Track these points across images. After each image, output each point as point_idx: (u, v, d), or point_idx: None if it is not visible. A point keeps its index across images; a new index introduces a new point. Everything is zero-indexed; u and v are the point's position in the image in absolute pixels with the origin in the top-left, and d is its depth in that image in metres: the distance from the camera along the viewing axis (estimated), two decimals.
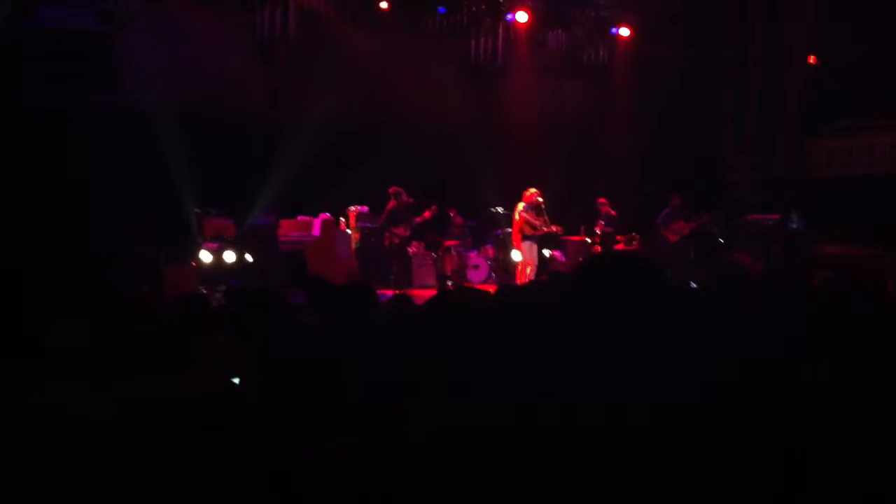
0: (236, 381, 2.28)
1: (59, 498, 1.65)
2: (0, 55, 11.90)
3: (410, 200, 13.43)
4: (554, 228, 13.25)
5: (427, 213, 13.62)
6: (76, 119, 12.38)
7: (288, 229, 13.67)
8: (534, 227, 12.93)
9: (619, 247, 14.74)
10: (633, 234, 15.14)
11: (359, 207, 14.52)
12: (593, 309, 1.97)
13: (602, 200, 14.98)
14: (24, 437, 1.74)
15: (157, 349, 2.16)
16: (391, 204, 13.26)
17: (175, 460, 1.69)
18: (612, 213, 14.90)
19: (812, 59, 17.11)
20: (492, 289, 4.09)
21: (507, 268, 14.23)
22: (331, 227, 13.86)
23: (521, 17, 16.46)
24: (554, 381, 1.68)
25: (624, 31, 17.31)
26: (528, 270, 12.93)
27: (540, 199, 13.00)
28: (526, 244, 12.98)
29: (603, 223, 14.86)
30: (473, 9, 16.36)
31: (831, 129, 16.73)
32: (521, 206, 13.02)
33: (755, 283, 4.03)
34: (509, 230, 13.67)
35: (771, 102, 17.34)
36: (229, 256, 12.40)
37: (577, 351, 1.90)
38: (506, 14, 16.54)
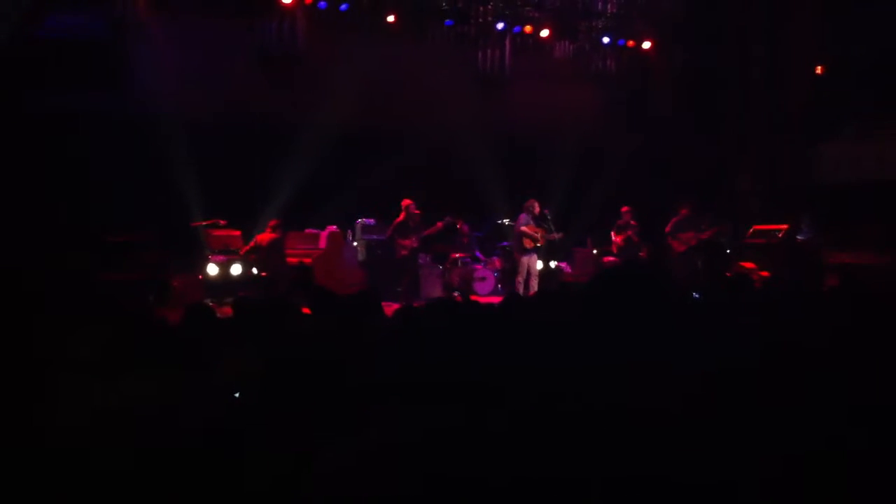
0: (237, 395, 2.29)
1: (59, 498, 1.66)
2: (8, 61, 11.96)
3: (419, 213, 13.44)
4: (555, 235, 13.19)
5: (439, 225, 13.63)
6: (81, 125, 12.41)
7: (295, 242, 13.68)
8: (534, 241, 12.90)
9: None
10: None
11: (364, 220, 14.53)
12: (599, 317, 1.97)
13: (626, 209, 14.53)
14: (24, 437, 1.75)
15: (161, 355, 2.17)
16: (401, 216, 13.27)
17: (176, 462, 1.69)
18: (633, 222, 14.52)
19: (819, 70, 17.07)
20: (498, 301, 4.09)
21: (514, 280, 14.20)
22: (338, 240, 13.87)
23: (528, 29, 16.53)
24: (555, 386, 1.69)
25: (630, 43, 17.39)
26: (531, 281, 12.93)
27: (539, 209, 12.99)
28: (525, 258, 12.97)
29: (623, 231, 14.61)
30: (480, 20, 16.41)
31: (838, 135, 16.67)
32: (520, 218, 13.02)
33: (759, 291, 4.04)
34: None
35: (776, 107, 17.30)
36: (236, 269, 12.45)
37: (579, 356, 1.90)
38: (513, 26, 16.60)
